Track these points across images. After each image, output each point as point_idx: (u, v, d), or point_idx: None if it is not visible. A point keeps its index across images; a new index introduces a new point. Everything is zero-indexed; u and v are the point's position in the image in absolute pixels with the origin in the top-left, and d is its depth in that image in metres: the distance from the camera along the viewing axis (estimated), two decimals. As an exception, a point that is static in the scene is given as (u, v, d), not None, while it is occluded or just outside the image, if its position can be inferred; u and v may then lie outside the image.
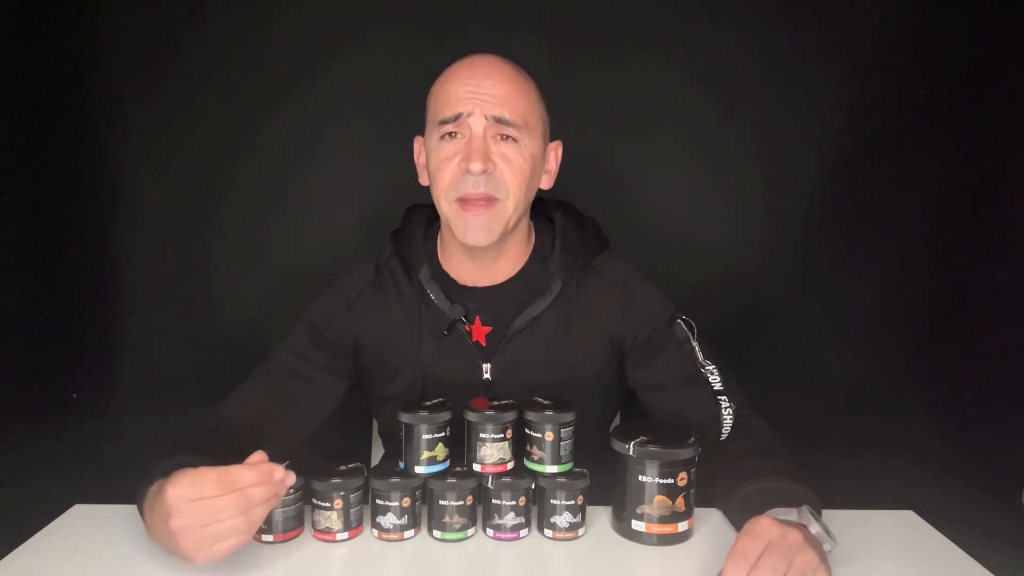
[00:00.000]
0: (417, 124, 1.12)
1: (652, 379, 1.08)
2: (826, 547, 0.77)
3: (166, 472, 0.81)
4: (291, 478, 0.76)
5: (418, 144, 1.10)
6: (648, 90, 1.93)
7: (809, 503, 0.82)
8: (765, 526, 0.74)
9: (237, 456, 0.93)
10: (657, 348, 1.07)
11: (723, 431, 1.01)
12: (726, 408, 1.01)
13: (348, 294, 1.11)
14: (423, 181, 1.09)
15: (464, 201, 0.98)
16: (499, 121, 0.98)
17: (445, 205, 1.01)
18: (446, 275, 1.10)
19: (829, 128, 1.97)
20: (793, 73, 1.94)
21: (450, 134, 0.99)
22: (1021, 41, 1.90)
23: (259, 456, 0.78)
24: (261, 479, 0.74)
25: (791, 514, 0.78)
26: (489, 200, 0.98)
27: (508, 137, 0.99)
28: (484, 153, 0.97)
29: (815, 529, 0.77)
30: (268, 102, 1.91)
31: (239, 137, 1.93)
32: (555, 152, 1.10)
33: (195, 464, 0.83)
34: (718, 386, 1.03)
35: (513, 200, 1.00)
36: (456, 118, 0.98)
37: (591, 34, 1.91)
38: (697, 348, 1.06)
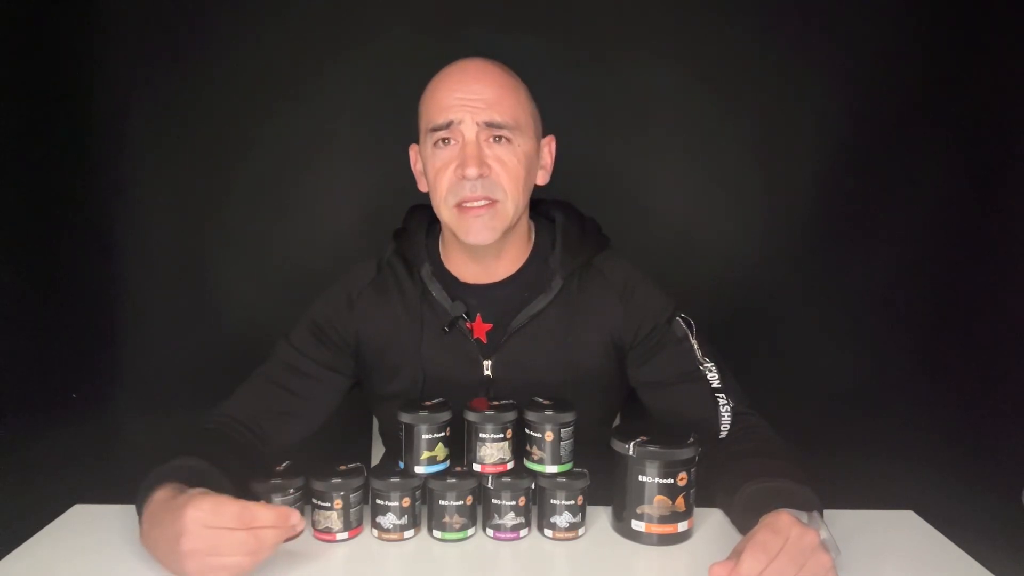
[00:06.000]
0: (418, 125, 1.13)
1: (651, 376, 1.08)
2: (831, 555, 0.77)
3: (165, 478, 0.81)
4: (302, 524, 0.78)
5: (414, 152, 1.12)
6: (648, 90, 1.93)
7: (813, 505, 0.82)
8: (786, 522, 0.74)
9: (238, 456, 0.94)
10: (657, 346, 1.08)
11: (721, 429, 1.01)
12: (724, 406, 1.01)
13: (350, 293, 1.12)
14: (422, 188, 1.11)
15: (463, 205, 1.01)
16: (490, 125, 1.00)
17: (445, 211, 1.03)
18: (448, 273, 1.11)
19: (829, 128, 1.97)
20: (793, 73, 1.94)
21: (443, 140, 1.02)
22: (1021, 39, 1.90)
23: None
24: (278, 521, 0.75)
25: (801, 517, 0.78)
26: (489, 202, 1.00)
27: (501, 138, 1.01)
28: (479, 158, 0.99)
29: (824, 535, 0.77)
30: (269, 102, 1.91)
31: (240, 137, 1.93)
32: (549, 147, 1.12)
33: (196, 468, 0.84)
34: (716, 383, 1.03)
35: (512, 200, 1.02)
36: (447, 125, 1.00)
37: (591, 34, 1.91)
38: (696, 346, 1.06)
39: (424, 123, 1.04)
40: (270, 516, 0.74)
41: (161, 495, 0.79)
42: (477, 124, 1.00)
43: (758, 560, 0.71)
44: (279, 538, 0.76)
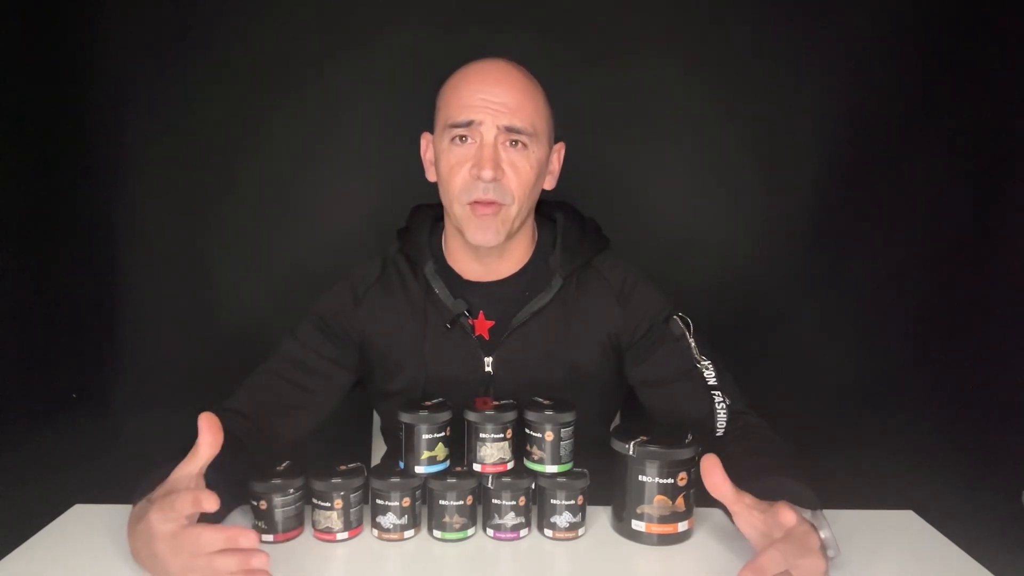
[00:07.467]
0: (419, 125, 1.13)
1: (648, 375, 1.09)
2: (830, 553, 0.77)
3: (157, 485, 0.81)
4: (213, 503, 0.72)
5: (425, 140, 1.12)
6: (649, 91, 1.94)
7: (814, 504, 0.82)
8: (791, 517, 0.75)
9: (239, 453, 0.94)
10: (654, 344, 1.08)
11: (717, 426, 1.01)
12: (719, 403, 1.02)
13: (355, 290, 1.13)
14: (430, 177, 1.11)
15: (475, 205, 1.02)
16: (510, 130, 1.01)
17: (457, 208, 1.04)
18: (451, 270, 1.12)
19: (829, 128, 1.97)
20: (793, 73, 1.94)
21: (461, 137, 1.02)
22: (1021, 40, 1.90)
23: (207, 419, 0.78)
24: (194, 503, 0.72)
25: (805, 514, 0.78)
26: (497, 205, 1.02)
27: (518, 143, 1.02)
28: (495, 161, 1.00)
29: (825, 534, 0.77)
30: (270, 102, 1.91)
31: (241, 137, 1.93)
32: (558, 153, 1.13)
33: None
34: (712, 381, 1.04)
35: (518, 204, 1.04)
36: (468, 124, 1.01)
37: (592, 35, 1.91)
38: (693, 344, 1.07)
39: (442, 117, 1.05)
40: (219, 537, 0.72)
41: (142, 506, 0.79)
42: (497, 127, 1.01)
43: (775, 552, 0.71)
44: (216, 541, 0.72)
